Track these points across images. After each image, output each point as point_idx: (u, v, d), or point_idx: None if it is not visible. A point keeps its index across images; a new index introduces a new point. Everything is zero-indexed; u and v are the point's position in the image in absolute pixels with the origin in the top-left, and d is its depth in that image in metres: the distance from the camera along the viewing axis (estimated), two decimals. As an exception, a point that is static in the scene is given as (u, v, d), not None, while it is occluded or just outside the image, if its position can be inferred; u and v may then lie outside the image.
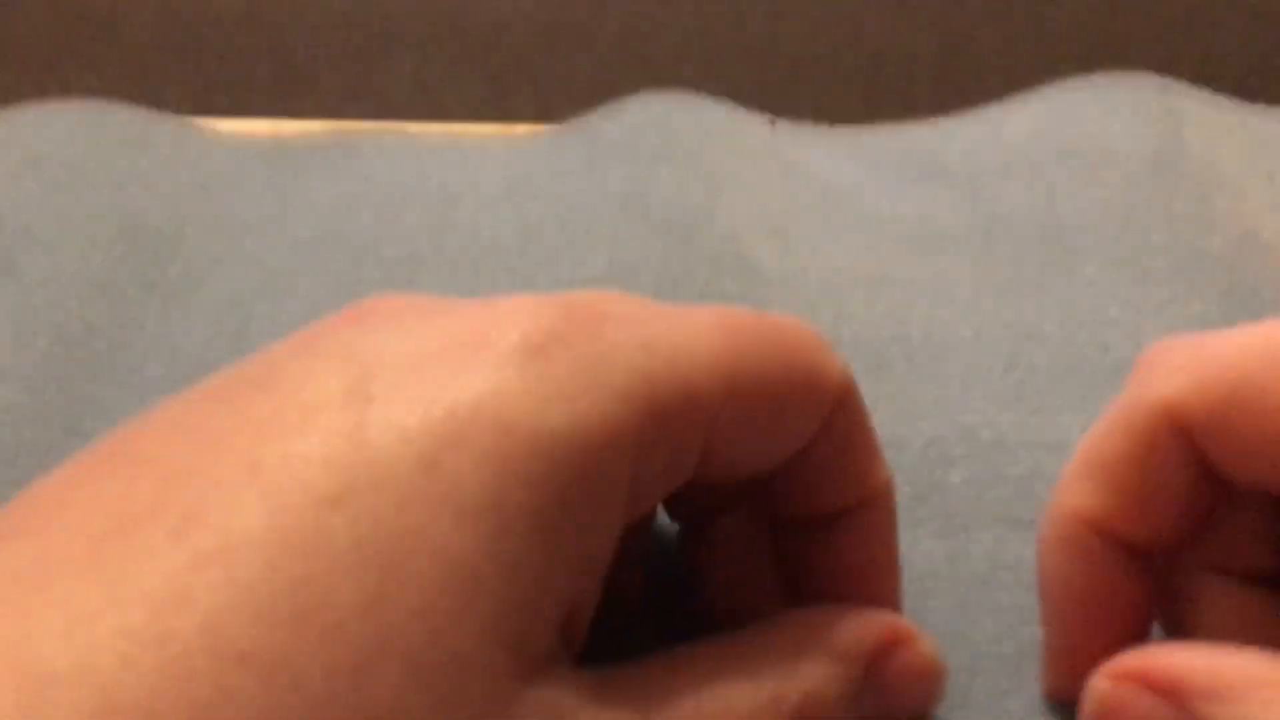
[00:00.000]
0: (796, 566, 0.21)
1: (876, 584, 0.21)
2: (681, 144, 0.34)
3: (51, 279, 0.31)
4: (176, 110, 0.37)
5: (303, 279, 0.31)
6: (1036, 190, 0.34)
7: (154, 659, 0.13)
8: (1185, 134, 0.35)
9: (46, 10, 0.46)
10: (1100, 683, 0.19)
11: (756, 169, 0.34)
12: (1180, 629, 0.21)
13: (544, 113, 0.42)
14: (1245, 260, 0.32)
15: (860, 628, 0.19)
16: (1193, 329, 0.30)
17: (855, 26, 0.45)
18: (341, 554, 0.14)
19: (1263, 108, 0.37)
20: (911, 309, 0.31)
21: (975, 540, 0.26)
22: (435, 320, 0.17)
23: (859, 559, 0.20)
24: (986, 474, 0.27)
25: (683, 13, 0.45)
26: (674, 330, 0.17)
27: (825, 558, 0.20)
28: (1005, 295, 0.31)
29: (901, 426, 0.28)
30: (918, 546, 0.26)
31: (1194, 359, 0.19)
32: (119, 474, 0.16)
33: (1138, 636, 0.21)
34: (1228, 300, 0.31)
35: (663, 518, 0.24)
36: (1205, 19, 0.45)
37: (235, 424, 0.16)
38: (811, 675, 0.18)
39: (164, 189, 0.34)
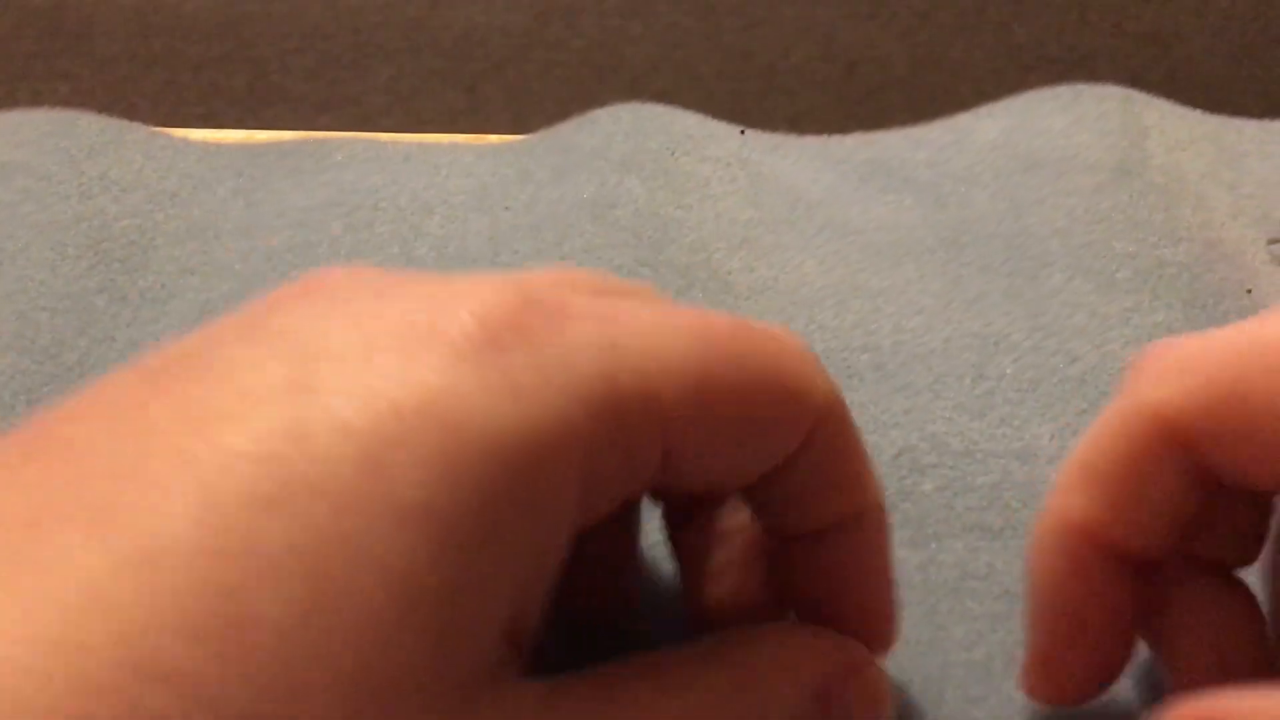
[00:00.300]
0: (788, 574, 0.21)
1: (866, 600, 0.20)
2: (651, 154, 0.34)
3: (19, 291, 0.31)
4: (149, 121, 0.37)
5: (274, 289, 0.31)
6: (1003, 199, 0.34)
7: (65, 672, 0.12)
8: (1149, 144, 0.35)
9: (18, 20, 0.46)
10: None
11: (726, 179, 0.34)
12: (1161, 630, 0.21)
13: (519, 123, 0.42)
14: (1209, 269, 0.32)
15: (817, 653, 0.19)
16: (1158, 338, 0.30)
17: (828, 37, 0.46)
18: (274, 562, 0.13)
19: (1226, 118, 0.38)
20: (881, 319, 0.31)
21: (946, 549, 0.27)
22: (387, 302, 0.16)
23: (848, 575, 0.20)
24: (957, 483, 0.28)
25: (657, 23, 0.46)
26: (644, 332, 0.17)
27: (815, 570, 0.20)
28: (973, 304, 0.31)
29: (872, 436, 0.28)
30: (889, 555, 0.27)
31: (1185, 362, 0.19)
32: (40, 461, 0.15)
33: (1123, 643, 0.21)
34: (1191, 309, 0.31)
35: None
36: (1171, 31, 0.46)
37: (168, 411, 0.15)
38: (763, 700, 0.18)
39: (134, 198, 0.34)
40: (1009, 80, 0.43)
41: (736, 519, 0.21)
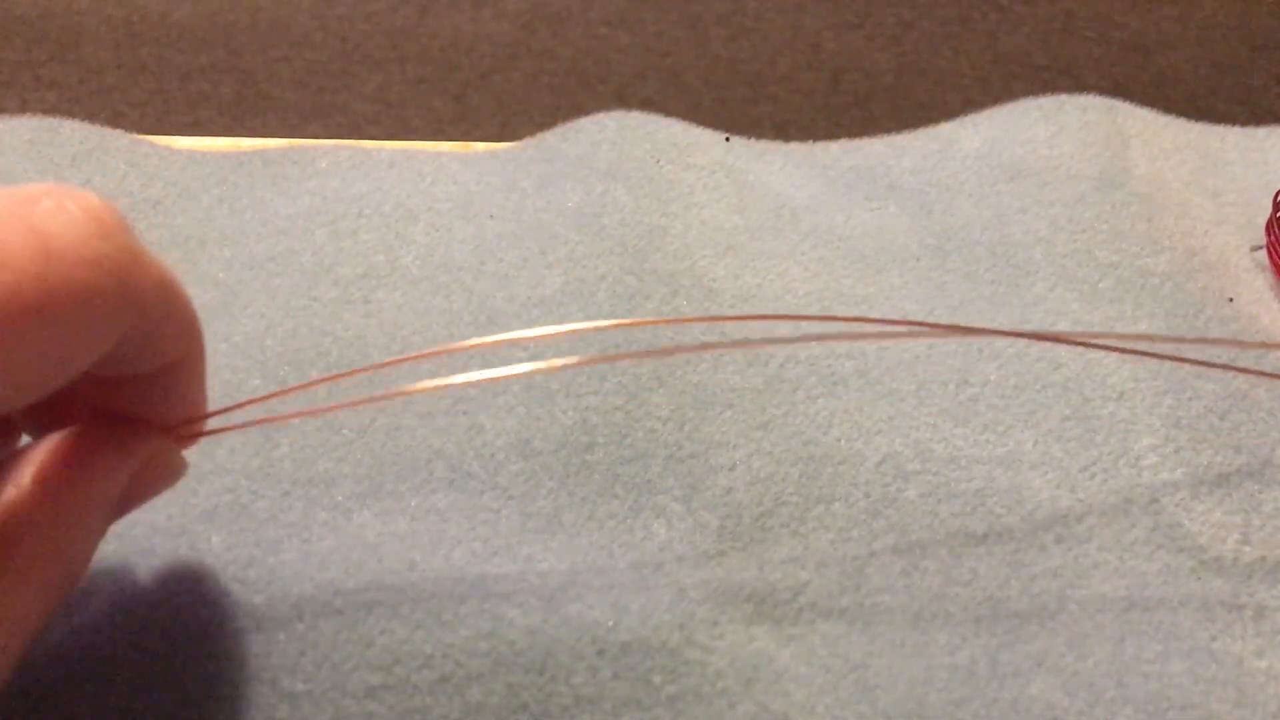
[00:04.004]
0: (111, 398, 0.21)
1: (189, 407, 0.22)
2: (636, 162, 0.34)
3: (2, 298, 0.31)
4: (137, 129, 0.37)
5: (258, 297, 0.31)
6: (987, 208, 0.34)
7: None
8: (1131, 154, 0.35)
9: (3, 28, 0.46)
10: None
11: (711, 186, 0.34)
12: None
13: (507, 131, 0.42)
14: (1191, 278, 0.32)
15: (133, 446, 0.21)
16: (1140, 346, 0.31)
17: (815, 46, 0.46)
18: None
19: (1209, 125, 0.38)
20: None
21: (930, 555, 0.27)
22: None
23: (176, 394, 0.21)
24: (941, 489, 0.28)
25: (644, 32, 0.46)
26: None
27: (143, 394, 0.21)
28: (957, 311, 0.32)
29: (857, 442, 0.28)
30: (874, 560, 0.27)
31: None
32: None
33: None
34: (1174, 318, 0.31)
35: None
36: (1156, 39, 0.46)
37: None
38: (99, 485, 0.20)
39: (117, 205, 0.33)
40: (994, 89, 0.43)
41: None
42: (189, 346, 0.20)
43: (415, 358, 0.22)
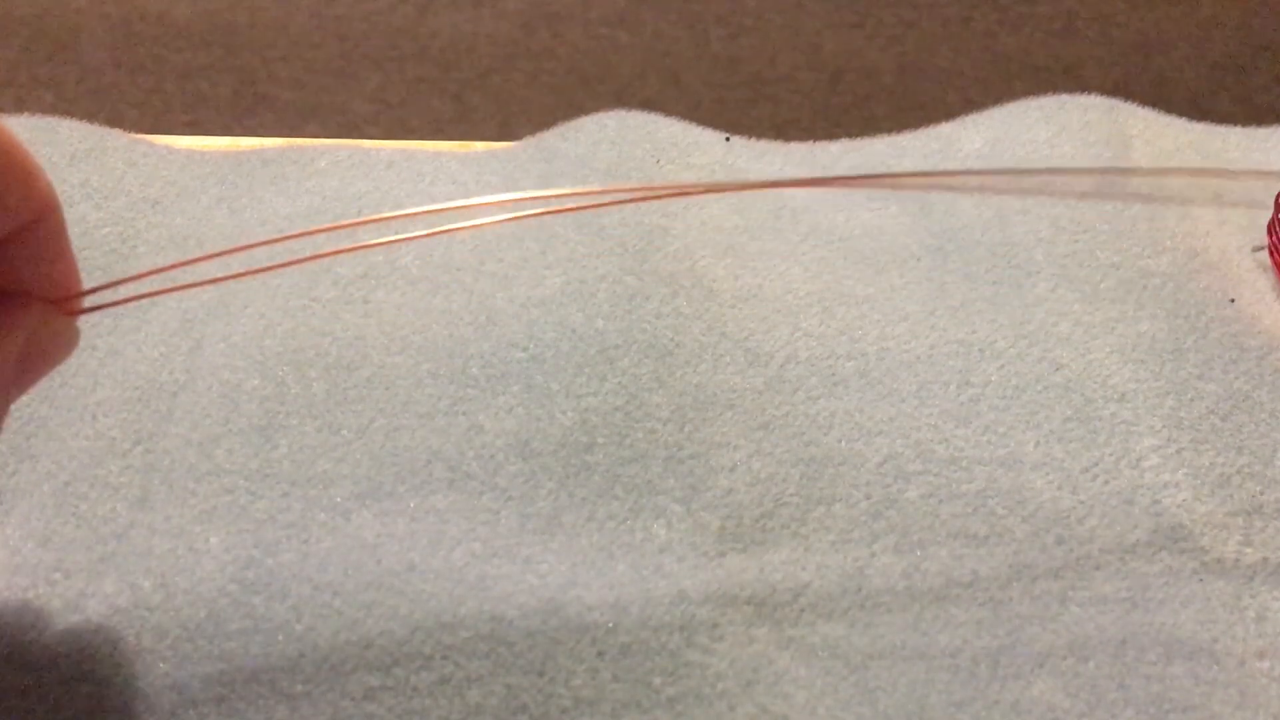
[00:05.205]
0: None
1: (58, 276, 0.22)
2: (636, 162, 0.34)
3: None
4: (135, 129, 0.37)
5: (258, 297, 0.31)
6: (988, 208, 0.34)
7: None
8: (1133, 154, 0.35)
9: (2, 28, 0.46)
10: None
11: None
12: None
13: (506, 131, 0.42)
14: (1192, 278, 0.32)
15: (21, 320, 0.21)
16: (1142, 347, 0.31)
17: (815, 45, 0.46)
18: None
19: (1211, 126, 0.38)
20: (866, 326, 0.31)
21: (931, 556, 0.27)
22: None
23: (41, 260, 0.22)
24: (942, 490, 0.28)
25: (644, 32, 0.46)
26: None
27: (10, 262, 0.21)
28: (958, 312, 0.31)
29: (858, 443, 0.28)
30: (874, 561, 0.26)
31: None
32: None
33: None
34: (1175, 318, 0.31)
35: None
36: (1157, 40, 0.46)
37: None
38: None
39: (115, 205, 0.33)
40: (995, 89, 0.43)
41: None
42: (43, 201, 0.21)
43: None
